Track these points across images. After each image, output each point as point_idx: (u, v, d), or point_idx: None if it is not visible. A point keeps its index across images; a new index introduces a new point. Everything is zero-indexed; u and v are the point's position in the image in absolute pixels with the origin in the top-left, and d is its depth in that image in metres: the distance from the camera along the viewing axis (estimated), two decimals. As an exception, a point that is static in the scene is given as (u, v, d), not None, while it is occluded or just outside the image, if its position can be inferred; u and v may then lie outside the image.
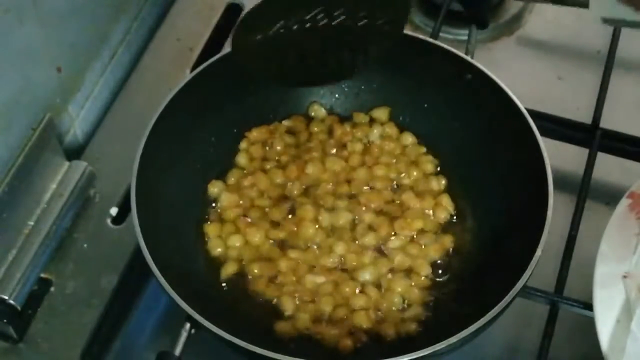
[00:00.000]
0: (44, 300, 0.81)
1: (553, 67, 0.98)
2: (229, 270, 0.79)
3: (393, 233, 0.81)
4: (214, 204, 0.83)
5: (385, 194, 0.83)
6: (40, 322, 0.80)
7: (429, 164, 0.85)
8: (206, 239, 0.81)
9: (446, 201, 0.83)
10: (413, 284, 0.78)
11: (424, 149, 0.86)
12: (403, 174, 0.84)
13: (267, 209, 0.82)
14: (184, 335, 0.70)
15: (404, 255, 0.80)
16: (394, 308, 0.77)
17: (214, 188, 0.83)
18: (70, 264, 0.83)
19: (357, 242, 0.80)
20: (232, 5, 1.02)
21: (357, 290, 0.78)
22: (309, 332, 0.76)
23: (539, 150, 0.77)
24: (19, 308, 0.79)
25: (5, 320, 0.78)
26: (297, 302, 0.77)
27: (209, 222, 0.82)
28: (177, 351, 0.70)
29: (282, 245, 0.81)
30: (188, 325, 0.70)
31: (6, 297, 0.78)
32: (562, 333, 0.77)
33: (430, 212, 0.82)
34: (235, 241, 0.80)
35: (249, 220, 0.82)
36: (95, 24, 0.91)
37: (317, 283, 0.78)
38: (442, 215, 0.82)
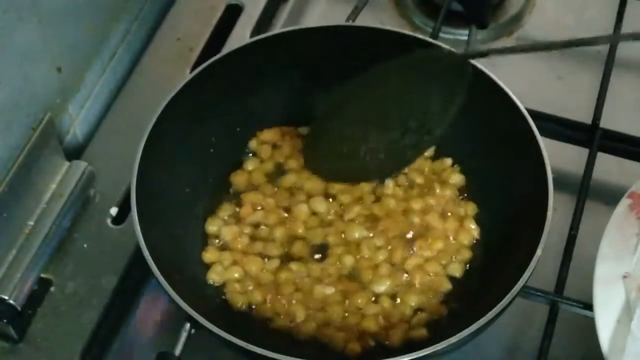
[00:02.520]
0: (44, 300, 0.81)
1: (553, 67, 0.98)
2: (239, 303, 0.77)
3: (411, 252, 0.79)
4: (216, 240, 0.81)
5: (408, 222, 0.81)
6: (40, 322, 0.80)
7: (457, 179, 0.83)
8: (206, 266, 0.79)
9: (472, 227, 0.80)
10: (431, 296, 0.77)
11: (449, 162, 0.84)
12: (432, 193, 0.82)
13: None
14: (184, 335, 0.70)
15: (423, 273, 0.78)
16: (404, 316, 0.76)
17: (213, 227, 0.81)
18: (70, 264, 0.83)
19: (369, 257, 0.79)
20: (232, 6, 1.02)
21: (369, 300, 0.77)
22: (315, 335, 0.76)
23: (539, 150, 0.76)
24: (19, 308, 0.79)
25: (5, 320, 0.78)
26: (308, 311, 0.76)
27: (206, 250, 0.80)
28: (177, 351, 0.70)
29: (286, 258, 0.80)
30: (188, 325, 0.70)
31: (6, 297, 0.78)
32: (562, 333, 0.77)
33: (453, 234, 0.80)
34: (235, 272, 0.78)
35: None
36: (95, 24, 0.91)
37: (325, 294, 0.77)
38: (466, 241, 0.80)
